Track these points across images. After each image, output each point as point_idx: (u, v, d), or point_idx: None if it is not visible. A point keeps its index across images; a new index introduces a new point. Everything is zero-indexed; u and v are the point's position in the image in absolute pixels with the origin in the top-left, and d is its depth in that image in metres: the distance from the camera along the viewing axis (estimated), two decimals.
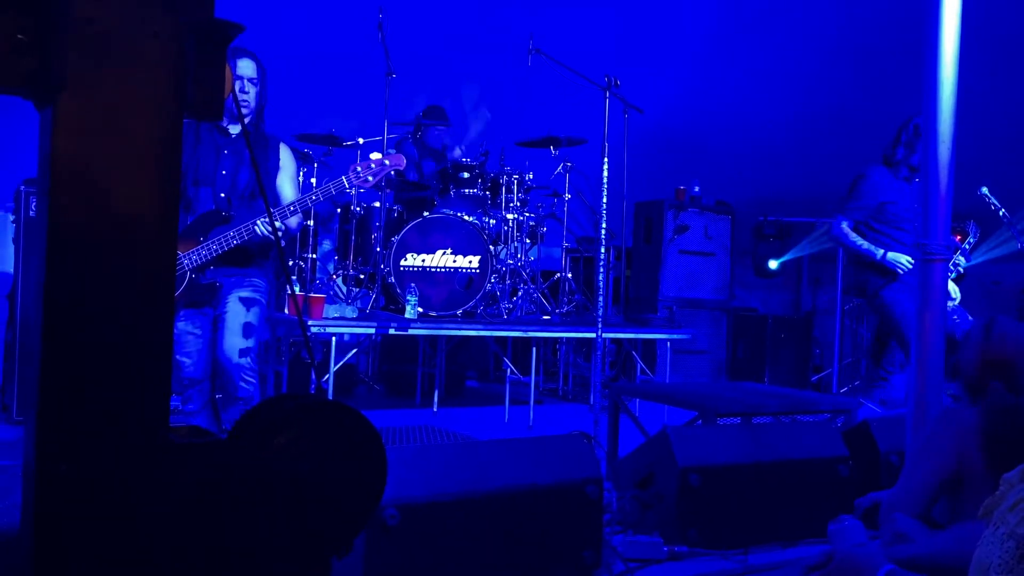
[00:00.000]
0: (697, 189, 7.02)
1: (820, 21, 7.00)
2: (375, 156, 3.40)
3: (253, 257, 3.32)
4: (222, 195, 3.26)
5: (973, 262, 5.06)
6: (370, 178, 3.34)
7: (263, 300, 3.38)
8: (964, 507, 2.17)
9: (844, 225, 4.57)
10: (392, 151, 3.81)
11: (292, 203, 3.26)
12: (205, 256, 3.13)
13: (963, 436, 2.08)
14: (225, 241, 3.13)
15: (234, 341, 3.25)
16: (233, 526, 0.89)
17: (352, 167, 3.33)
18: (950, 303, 5.17)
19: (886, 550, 1.86)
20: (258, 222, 3.15)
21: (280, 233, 3.33)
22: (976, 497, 2.06)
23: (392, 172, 3.68)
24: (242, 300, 3.27)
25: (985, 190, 5.03)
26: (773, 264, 7.95)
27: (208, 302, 3.24)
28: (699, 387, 4.61)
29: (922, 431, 2.63)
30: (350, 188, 3.34)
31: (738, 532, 2.83)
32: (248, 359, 3.32)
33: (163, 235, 0.88)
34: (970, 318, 5.10)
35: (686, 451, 2.84)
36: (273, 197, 3.36)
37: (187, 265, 3.10)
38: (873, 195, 4.52)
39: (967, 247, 5.00)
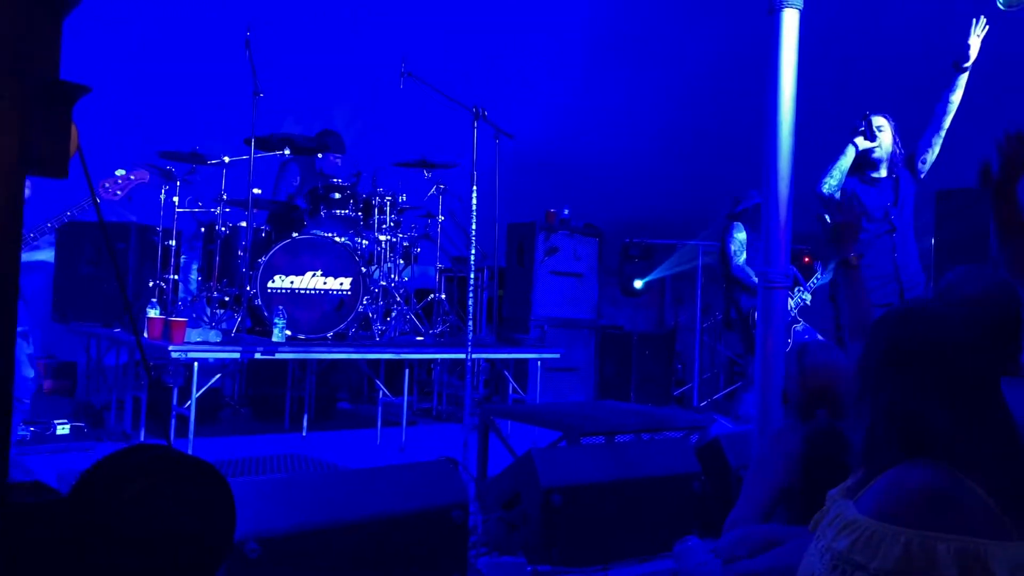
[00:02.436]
0: (567, 212, 7.24)
1: (681, 53, 7.38)
2: (120, 172, 3.86)
3: None
4: None
5: (823, 280, 5.45)
6: (118, 192, 3.80)
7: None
8: (798, 518, 2.36)
9: None
10: (140, 168, 4.10)
11: (38, 227, 3.58)
12: None
13: (789, 457, 2.26)
14: None
15: (25, 372, 3.67)
16: None
17: (101, 183, 3.74)
18: (797, 326, 5.58)
19: (727, 568, 2.01)
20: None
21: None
22: (807, 509, 2.25)
23: (138, 185, 4.03)
24: (19, 335, 3.73)
25: (827, 217, 5.45)
26: (638, 283, 8.29)
27: None
28: (564, 407, 4.76)
29: (763, 443, 2.84)
30: (99, 200, 3.70)
31: (599, 549, 2.96)
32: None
33: (3, 295, 0.87)
34: (819, 336, 5.52)
35: (549, 472, 2.94)
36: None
37: None
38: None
39: (814, 284, 5.44)
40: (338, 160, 6.00)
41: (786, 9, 3.10)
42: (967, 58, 3.96)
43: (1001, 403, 1.38)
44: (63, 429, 4.69)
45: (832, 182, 4.28)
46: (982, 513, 1.25)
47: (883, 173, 4.33)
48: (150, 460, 0.97)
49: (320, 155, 5.93)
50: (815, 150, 3.96)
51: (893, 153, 4.32)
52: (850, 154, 4.27)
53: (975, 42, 3.95)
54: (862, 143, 4.24)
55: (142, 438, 4.85)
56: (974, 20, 3.95)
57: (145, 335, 4.77)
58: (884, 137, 4.27)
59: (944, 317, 1.45)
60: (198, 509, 0.97)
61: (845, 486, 1.59)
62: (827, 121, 4.70)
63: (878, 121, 4.28)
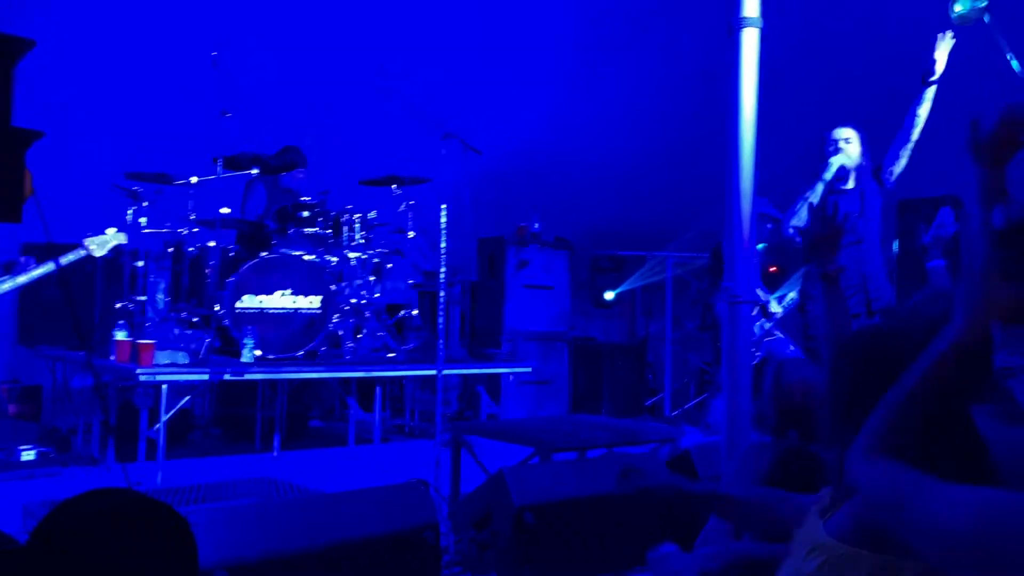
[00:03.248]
0: (537, 226, 7.28)
1: (650, 67, 7.46)
2: (102, 235, 4.14)
3: None
4: None
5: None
6: (103, 252, 4.13)
7: None
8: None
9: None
10: (123, 231, 4.33)
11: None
12: None
13: (759, 476, 2.29)
14: None
15: None
16: None
17: (86, 240, 4.08)
18: (771, 338, 5.62)
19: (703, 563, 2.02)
20: None
21: None
22: None
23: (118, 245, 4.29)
24: None
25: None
26: (609, 295, 8.33)
27: None
28: (536, 423, 4.76)
29: (735, 458, 2.87)
30: (84, 252, 4.08)
31: (572, 566, 2.96)
32: None
33: None
34: (791, 347, 5.56)
35: (521, 490, 2.94)
36: None
37: None
38: None
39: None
40: (301, 174, 5.98)
41: (745, 28, 3.15)
42: (933, 72, 4.02)
43: (971, 427, 1.37)
44: (28, 455, 4.61)
45: (798, 223, 4.23)
46: None
47: (850, 184, 4.38)
48: (105, 508, 0.96)
49: (270, 172, 5.90)
50: (782, 162, 4.01)
51: (860, 165, 4.38)
52: (830, 175, 4.23)
53: (941, 56, 4.01)
54: (837, 159, 4.27)
55: (110, 462, 4.78)
56: (940, 35, 4.01)
57: (113, 358, 4.71)
58: (852, 149, 4.32)
59: (911, 341, 1.45)
60: (158, 552, 0.97)
61: (822, 504, 1.59)
62: (793, 133, 4.77)
63: (846, 133, 4.32)
